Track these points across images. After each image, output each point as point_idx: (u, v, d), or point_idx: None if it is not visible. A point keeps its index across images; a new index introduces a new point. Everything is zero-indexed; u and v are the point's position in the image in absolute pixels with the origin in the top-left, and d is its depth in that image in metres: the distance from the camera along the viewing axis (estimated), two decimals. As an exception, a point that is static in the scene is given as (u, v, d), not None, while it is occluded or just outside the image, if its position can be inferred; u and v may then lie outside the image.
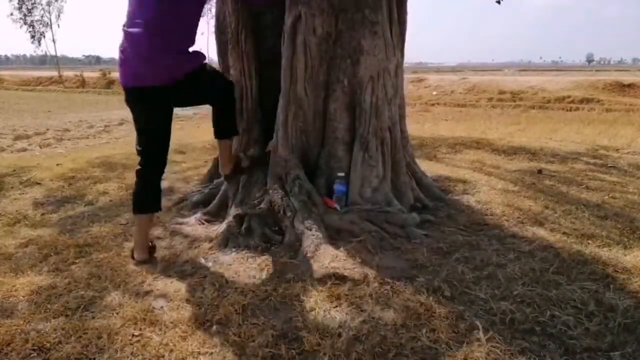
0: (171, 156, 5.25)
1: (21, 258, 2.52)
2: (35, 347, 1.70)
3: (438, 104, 16.39)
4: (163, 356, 1.64)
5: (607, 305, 1.91)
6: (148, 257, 2.46)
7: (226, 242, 2.62)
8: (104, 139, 9.00)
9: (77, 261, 2.45)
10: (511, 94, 16.90)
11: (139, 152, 2.41)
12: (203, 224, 2.95)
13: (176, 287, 2.14)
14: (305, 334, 1.75)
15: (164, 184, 3.95)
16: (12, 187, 4.03)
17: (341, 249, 2.43)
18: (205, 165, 4.41)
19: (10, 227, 3.05)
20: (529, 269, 2.23)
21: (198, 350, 1.66)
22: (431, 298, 1.98)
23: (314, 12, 2.73)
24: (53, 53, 45.46)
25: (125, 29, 2.22)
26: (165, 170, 2.53)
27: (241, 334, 1.75)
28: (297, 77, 2.83)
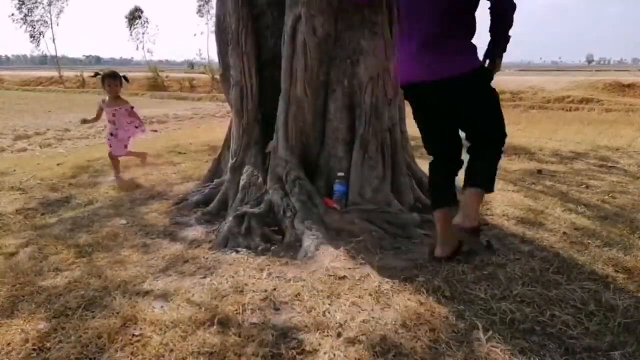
0: (171, 156, 5.28)
1: (21, 258, 2.52)
2: (35, 347, 1.70)
3: (438, 104, 16.35)
4: (163, 356, 1.64)
5: (607, 305, 1.91)
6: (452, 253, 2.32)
7: (226, 242, 2.62)
8: (104, 139, 8.99)
9: (77, 261, 2.46)
10: (511, 93, 16.87)
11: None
12: (203, 224, 2.95)
13: (176, 287, 2.14)
14: (305, 334, 1.75)
15: (163, 185, 3.96)
16: (12, 187, 4.03)
17: (341, 249, 2.43)
18: (205, 165, 4.41)
19: (10, 227, 3.05)
20: (529, 268, 2.23)
21: (198, 350, 1.66)
22: (431, 298, 1.98)
23: (314, 12, 2.73)
24: (53, 53, 45.54)
25: None
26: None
27: (241, 334, 1.75)
28: (297, 77, 2.83)
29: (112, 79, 4.15)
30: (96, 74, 4.62)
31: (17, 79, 34.27)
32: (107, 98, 4.21)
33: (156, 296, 2.06)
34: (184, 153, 5.56)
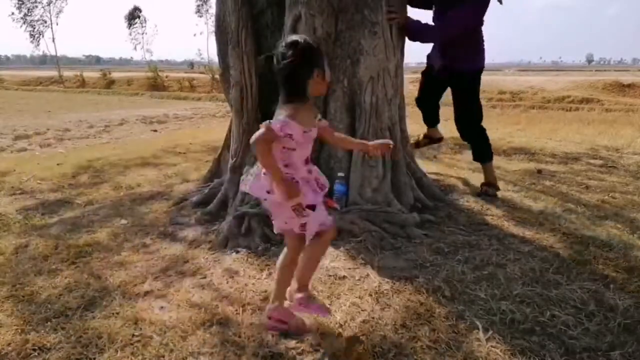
0: (171, 157, 5.28)
1: (21, 258, 2.52)
2: (35, 347, 1.70)
3: (438, 104, 16.33)
4: (163, 356, 1.64)
5: (607, 305, 1.91)
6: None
7: (226, 242, 2.62)
8: (104, 139, 8.99)
9: (77, 261, 2.46)
10: (511, 94, 16.86)
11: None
12: (203, 224, 2.95)
13: (176, 287, 2.14)
14: (305, 334, 1.75)
15: (163, 185, 3.96)
16: (12, 187, 4.03)
17: (341, 249, 2.43)
18: (205, 165, 4.41)
19: (10, 227, 3.05)
20: (529, 269, 2.23)
21: (198, 350, 1.66)
22: (431, 298, 1.98)
23: (314, 12, 2.73)
24: (53, 53, 45.58)
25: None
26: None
27: (241, 334, 1.75)
28: (297, 77, 2.83)
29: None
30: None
31: (17, 79, 34.27)
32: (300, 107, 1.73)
33: (156, 296, 2.06)
34: (184, 153, 5.56)
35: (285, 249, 1.85)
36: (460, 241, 2.58)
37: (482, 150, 3.51)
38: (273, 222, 1.83)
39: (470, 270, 2.22)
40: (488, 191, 3.43)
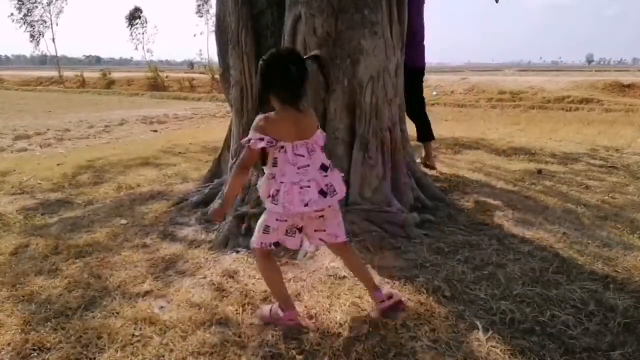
0: (171, 157, 5.28)
1: (21, 258, 2.52)
2: (35, 347, 1.70)
3: (438, 104, 16.33)
4: (163, 356, 1.64)
5: (607, 305, 1.91)
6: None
7: (226, 242, 2.62)
8: (104, 139, 8.99)
9: (77, 261, 2.46)
10: (511, 94, 16.84)
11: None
12: (203, 224, 2.95)
13: (176, 287, 2.14)
14: (305, 334, 1.75)
15: (163, 185, 3.96)
16: (12, 187, 4.03)
17: (341, 249, 2.43)
18: (205, 165, 4.41)
19: (10, 227, 3.05)
20: (529, 268, 2.23)
21: (198, 350, 1.66)
22: (431, 298, 1.98)
23: (314, 12, 2.73)
24: (53, 53, 45.62)
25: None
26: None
27: (241, 334, 1.75)
28: (297, 77, 2.83)
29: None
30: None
31: (17, 79, 34.29)
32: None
33: (156, 296, 2.06)
34: (184, 153, 5.57)
35: (268, 262, 1.86)
36: (460, 241, 2.58)
37: (424, 132, 4.29)
38: (326, 230, 1.86)
39: (470, 270, 2.22)
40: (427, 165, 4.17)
